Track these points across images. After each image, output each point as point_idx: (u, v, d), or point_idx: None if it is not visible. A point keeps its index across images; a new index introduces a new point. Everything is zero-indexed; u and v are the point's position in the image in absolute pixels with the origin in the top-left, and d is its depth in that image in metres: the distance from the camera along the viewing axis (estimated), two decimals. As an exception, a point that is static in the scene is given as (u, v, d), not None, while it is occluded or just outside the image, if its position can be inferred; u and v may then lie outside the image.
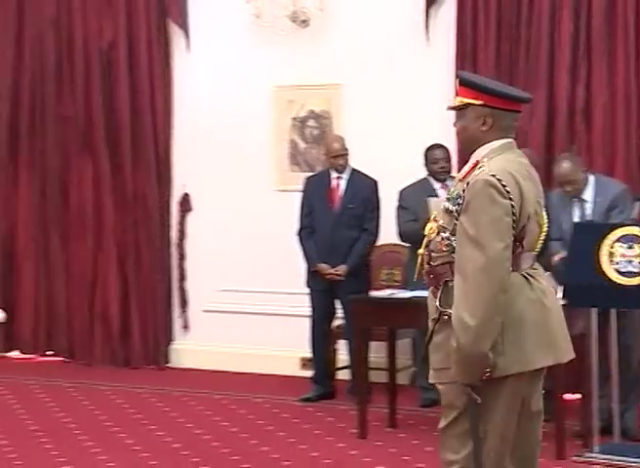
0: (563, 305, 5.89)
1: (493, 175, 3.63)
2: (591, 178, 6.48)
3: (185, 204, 8.59)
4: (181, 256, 8.63)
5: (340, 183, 7.45)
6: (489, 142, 3.83)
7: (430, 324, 3.86)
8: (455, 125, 3.89)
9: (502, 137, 3.85)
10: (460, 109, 3.86)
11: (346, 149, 7.39)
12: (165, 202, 8.64)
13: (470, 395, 3.64)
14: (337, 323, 7.54)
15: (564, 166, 6.50)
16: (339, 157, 7.36)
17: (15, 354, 8.93)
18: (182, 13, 8.44)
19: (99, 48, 8.62)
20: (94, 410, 7.31)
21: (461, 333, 3.63)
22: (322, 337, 7.49)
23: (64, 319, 8.89)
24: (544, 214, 3.93)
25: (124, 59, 8.56)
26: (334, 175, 7.45)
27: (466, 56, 7.61)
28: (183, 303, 8.63)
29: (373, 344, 6.95)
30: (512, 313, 3.69)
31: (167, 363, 8.61)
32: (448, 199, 3.82)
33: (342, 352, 7.63)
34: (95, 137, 8.69)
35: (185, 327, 8.65)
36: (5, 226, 9.03)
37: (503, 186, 3.63)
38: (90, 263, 8.78)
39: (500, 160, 3.76)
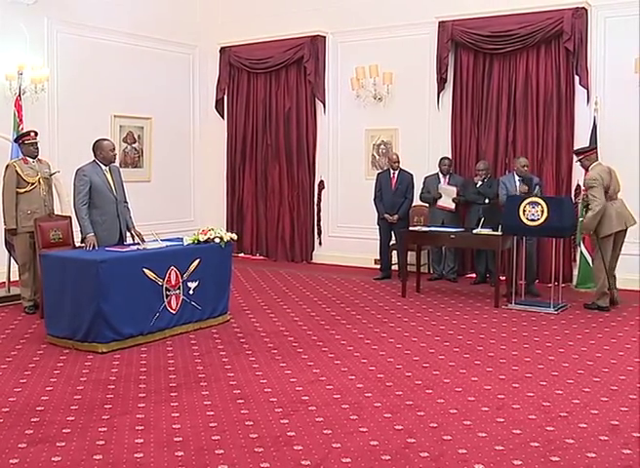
0: (501, 234, 5.92)
1: (595, 173, 5.55)
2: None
3: (321, 185, 8.47)
4: (319, 210, 8.48)
5: (395, 175, 7.29)
6: (592, 163, 5.64)
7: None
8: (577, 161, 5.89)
9: (595, 161, 5.66)
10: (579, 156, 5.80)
11: (399, 159, 7.32)
12: (311, 183, 8.50)
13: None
14: (392, 242, 7.40)
15: (523, 159, 6.54)
16: (395, 163, 7.30)
17: (241, 254, 8.82)
18: (323, 95, 8.27)
19: (283, 111, 8.53)
20: (275, 281, 7.23)
21: (588, 220, 5.48)
22: (385, 249, 7.41)
23: (265, 237, 8.85)
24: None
25: (294, 117, 8.47)
26: (392, 171, 7.32)
27: (457, 116, 7.49)
28: (319, 232, 8.51)
29: (409, 253, 6.97)
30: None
31: (311, 260, 8.51)
32: (584, 183, 5.68)
33: (395, 257, 7.51)
34: (280, 154, 8.63)
35: (320, 243, 8.53)
36: (239, 194, 8.96)
37: (599, 175, 5.50)
38: (277, 212, 8.73)
39: (597, 168, 5.60)
